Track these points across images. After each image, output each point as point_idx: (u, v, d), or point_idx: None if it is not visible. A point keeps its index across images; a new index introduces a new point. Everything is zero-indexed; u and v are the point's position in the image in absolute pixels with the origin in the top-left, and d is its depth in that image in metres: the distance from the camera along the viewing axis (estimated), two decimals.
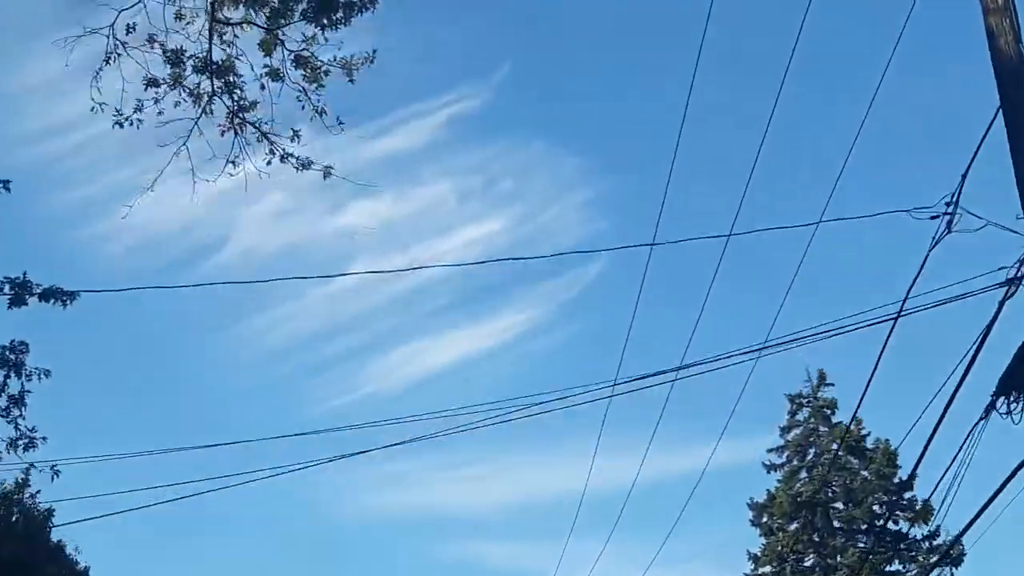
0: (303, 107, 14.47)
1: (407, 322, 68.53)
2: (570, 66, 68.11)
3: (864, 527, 40.90)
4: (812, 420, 42.91)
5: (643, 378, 14.36)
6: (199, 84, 14.22)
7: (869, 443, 41.62)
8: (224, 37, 14.10)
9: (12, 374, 14.15)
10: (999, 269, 12.92)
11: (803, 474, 42.19)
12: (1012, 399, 11.77)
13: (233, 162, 14.42)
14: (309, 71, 14.36)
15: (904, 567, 40.12)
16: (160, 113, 14.09)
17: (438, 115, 62.95)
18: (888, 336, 13.39)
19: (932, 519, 38.11)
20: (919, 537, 39.79)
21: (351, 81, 14.55)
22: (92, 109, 13.63)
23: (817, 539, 40.70)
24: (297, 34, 14.31)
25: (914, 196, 14.27)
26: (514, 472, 66.55)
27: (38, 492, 33.38)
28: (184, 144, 14.07)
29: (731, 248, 15.72)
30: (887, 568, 40.13)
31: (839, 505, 41.38)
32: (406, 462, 66.01)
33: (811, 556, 41.01)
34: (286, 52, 14.25)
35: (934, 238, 13.86)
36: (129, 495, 14.92)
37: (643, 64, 67.46)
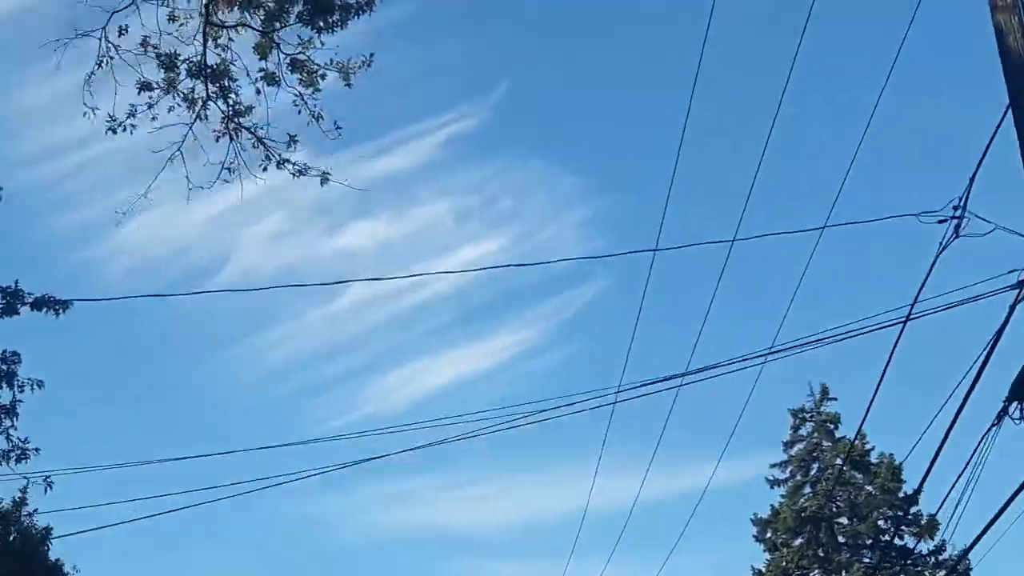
0: (299, 111, 14.24)
1: (406, 342, 68.41)
2: (567, 85, 68.22)
3: (869, 542, 40.57)
4: (815, 435, 42.62)
5: (647, 384, 14.08)
6: (193, 89, 13.99)
7: (873, 457, 41.34)
8: (219, 41, 13.88)
9: (4, 384, 13.88)
10: (1009, 272, 12.72)
11: (807, 489, 41.89)
12: None
13: (229, 168, 14.18)
14: (305, 75, 14.13)
15: None
16: (154, 119, 13.87)
17: (436, 135, 62.99)
18: (897, 340, 13.13)
19: (938, 533, 38.03)
20: (925, 552, 39.54)
21: (348, 85, 14.31)
22: (84, 114, 13.43)
23: (822, 555, 40.38)
24: (293, 37, 14.10)
25: (920, 203, 14.01)
26: (518, 491, 66.35)
27: (35, 511, 33.23)
28: (179, 149, 13.84)
29: (734, 256, 15.49)
30: None
31: (843, 520, 41.07)
32: (410, 481, 65.79)
33: (816, 572, 40.68)
34: (282, 56, 14.04)
35: (942, 243, 13.65)
36: (123, 507, 14.65)
37: (640, 83, 67.51)
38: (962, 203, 13.55)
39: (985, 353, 12.34)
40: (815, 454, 42.34)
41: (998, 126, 11.54)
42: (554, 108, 69.12)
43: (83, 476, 15.01)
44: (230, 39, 13.89)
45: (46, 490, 14.23)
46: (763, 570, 41.06)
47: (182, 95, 13.93)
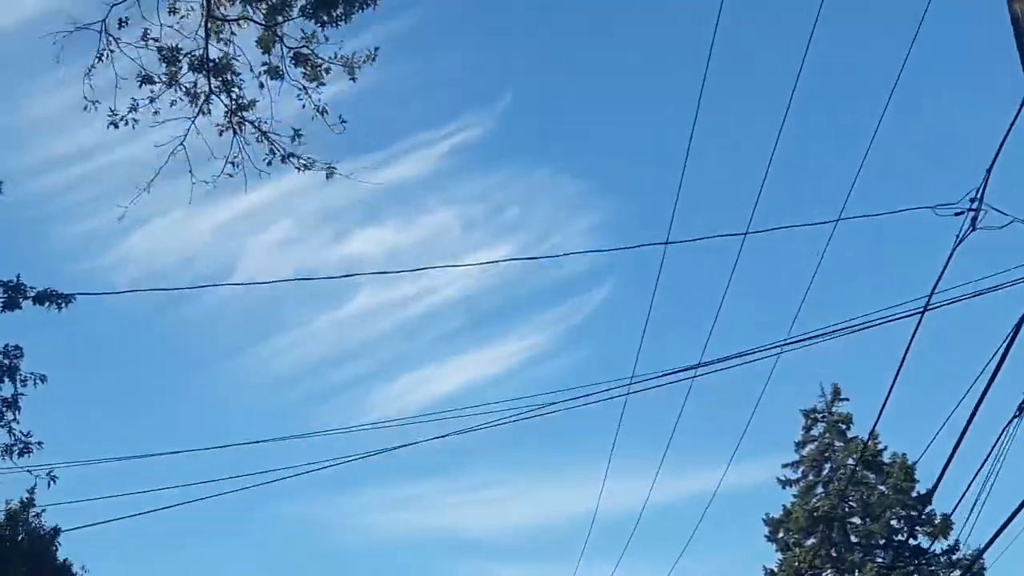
0: (303, 105, 14.05)
1: (414, 349, 68.41)
2: (571, 94, 68.24)
3: (882, 542, 40.28)
4: (827, 435, 42.37)
5: (662, 376, 13.86)
6: (196, 83, 13.81)
7: (886, 457, 41.07)
8: (221, 35, 13.69)
9: (6, 378, 13.71)
10: None
11: (819, 489, 41.63)
12: None
13: (233, 163, 13.99)
14: (309, 69, 13.94)
15: None
16: (156, 113, 13.68)
17: (441, 144, 63.07)
18: (915, 331, 12.86)
19: (952, 533, 37.75)
20: (938, 552, 39.25)
21: (352, 79, 14.12)
22: (85, 108, 13.24)
23: (835, 554, 40.13)
24: (296, 31, 13.91)
25: (936, 198, 13.78)
26: (527, 494, 66.26)
27: (43, 511, 33.09)
28: (182, 143, 13.66)
29: (747, 251, 15.27)
30: None
31: (856, 520, 40.79)
32: (418, 485, 65.77)
33: (828, 572, 40.42)
34: (285, 49, 13.84)
35: (959, 235, 13.43)
36: (127, 502, 14.49)
37: (644, 88, 67.49)
38: (979, 195, 13.33)
39: (1003, 349, 12.12)
40: (827, 454, 42.08)
41: (1015, 118, 11.33)
42: (558, 116, 69.23)
43: (87, 472, 14.87)
44: (232, 33, 13.71)
45: (49, 484, 14.05)
46: (775, 570, 40.79)
47: (184, 89, 13.76)
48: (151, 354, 64.80)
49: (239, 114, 13.92)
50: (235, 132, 14.00)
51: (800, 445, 42.40)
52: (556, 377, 68.16)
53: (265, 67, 13.89)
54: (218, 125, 14.01)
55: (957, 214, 13.49)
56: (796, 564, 40.00)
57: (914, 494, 39.91)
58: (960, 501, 15.00)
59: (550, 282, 68.88)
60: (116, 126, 13.67)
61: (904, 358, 13.49)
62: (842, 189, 14.71)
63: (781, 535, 41.27)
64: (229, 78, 13.82)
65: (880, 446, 40.68)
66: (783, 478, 42.18)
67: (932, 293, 13.50)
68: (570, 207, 69.29)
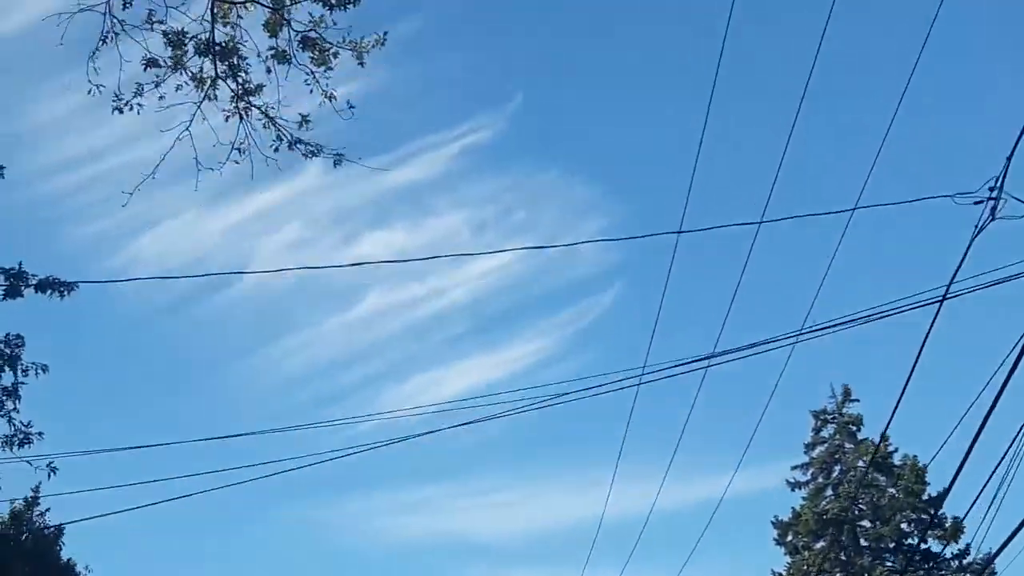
0: (311, 91, 13.81)
1: (422, 351, 68.35)
2: (582, 95, 68.13)
3: (892, 545, 39.96)
4: (837, 437, 42.06)
5: (674, 366, 13.60)
6: (202, 68, 13.58)
7: (896, 459, 40.76)
8: (227, 18, 13.46)
9: (7, 368, 13.46)
10: None
11: (828, 491, 41.32)
12: None
13: (239, 149, 13.76)
14: (317, 53, 13.70)
15: None
16: (161, 98, 13.44)
17: (451, 146, 63.09)
18: (933, 320, 12.61)
19: (963, 537, 37.42)
20: (949, 556, 38.91)
21: (361, 64, 13.88)
22: (89, 92, 13.01)
23: (844, 558, 39.80)
24: (304, 15, 13.68)
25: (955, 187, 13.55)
26: (534, 499, 66.09)
27: (48, 510, 32.94)
28: (187, 129, 13.42)
29: (762, 243, 15.02)
30: None
31: (866, 523, 40.48)
32: (427, 488, 65.64)
33: (838, 575, 40.08)
34: (292, 33, 13.61)
35: (978, 225, 13.18)
36: (129, 495, 14.26)
37: (654, 91, 67.39)
38: (999, 184, 13.11)
39: (1020, 348, 11.87)
40: (837, 456, 41.77)
41: None
42: (568, 118, 69.17)
43: (88, 466, 14.64)
44: (239, 16, 13.47)
45: (49, 476, 13.79)
46: (783, 574, 40.50)
47: (190, 74, 13.52)
48: (161, 354, 64.77)
49: (246, 99, 13.68)
50: (241, 118, 13.76)
51: (810, 447, 42.10)
52: (563, 380, 67.82)
53: (272, 51, 13.66)
54: (224, 111, 13.77)
55: (977, 203, 13.26)
56: (805, 567, 39.69)
57: (925, 497, 39.60)
58: (973, 505, 14.79)
59: (558, 285, 68.84)
60: (121, 111, 13.43)
61: (920, 351, 13.21)
62: (858, 182, 14.48)
63: (790, 538, 40.96)
64: (236, 62, 13.58)
65: (891, 448, 40.39)
66: (792, 480, 41.90)
67: (951, 282, 13.25)
68: (580, 209, 69.24)
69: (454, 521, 65.49)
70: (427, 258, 15.37)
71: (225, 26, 13.50)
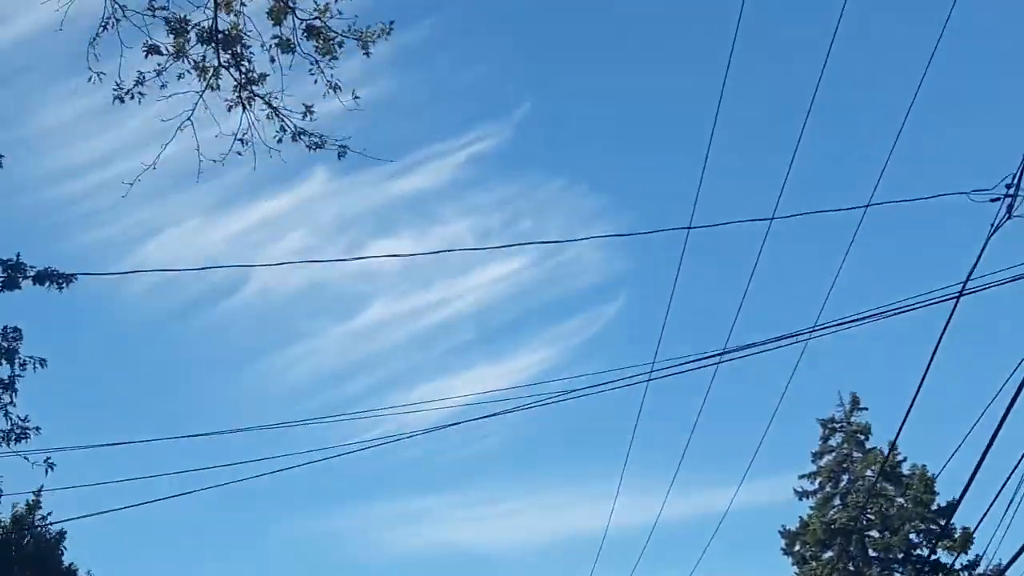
0: (316, 81, 13.53)
1: (426, 361, 68.16)
2: (588, 104, 68.05)
3: (901, 556, 39.62)
4: (845, 446, 41.75)
5: (685, 363, 13.31)
6: (204, 56, 13.31)
7: (905, 469, 40.43)
8: (230, 6, 13.20)
9: (3, 361, 13.18)
10: None
11: (836, 501, 41.00)
12: None
13: (242, 140, 13.49)
14: (322, 42, 13.43)
15: None
16: (163, 86, 13.15)
17: (457, 155, 63.14)
18: (950, 316, 12.32)
19: (972, 547, 37.06)
20: (959, 567, 38.54)
21: (367, 54, 13.61)
22: (89, 79, 12.75)
23: (852, 568, 39.46)
24: (308, 3, 13.40)
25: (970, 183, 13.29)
26: (539, 510, 65.84)
27: (49, 514, 32.67)
28: (189, 119, 13.16)
29: (772, 238, 14.73)
30: None
31: (874, 533, 40.14)
32: (428, 499, 65.36)
33: None
34: (297, 21, 13.34)
35: (994, 223, 12.93)
36: (126, 493, 13.98)
37: (660, 101, 67.28)
38: (1016, 181, 12.85)
39: None
40: (845, 465, 41.46)
41: None
42: (575, 127, 69.06)
43: (86, 464, 14.39)
44: (243, 3, 13.20)
45: (47, 471, 13.50)
46: None
47: (192, 62, 13.25)
48: (164, 361, 64.61)
49: (249, 88, 13.41)
50: (244, 107, 13.48)
51: (817, 456, 41.80)
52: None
53: (276, 40, 13.39)
54: (227, 100, 13.49)
55: (993, 200, 13.02)
56: None
57: (934, 507, 39.28)
58: (985, 516, 14.54)
59: (563, 295, 68.65)
60: (122, 100, 13.16)
61: (934, 354, 12.93)
62: (871, 179, 14.21)
63: (797, 548, 40.65)
64: (239, 51, 13.32)
65: (899, 457, 40.06)
66: (800, 489, 41.59)
67: (968, 279, 12.97)
68: (586, 218, 69.07)
69: (457, 532, 65.27)
70: (424, 253, 14.94)
71: (228, 14, 13.24)
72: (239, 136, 13.62)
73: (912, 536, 39.69)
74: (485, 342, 69.16)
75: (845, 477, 41.29)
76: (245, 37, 13.53)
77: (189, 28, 13.08)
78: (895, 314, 12.80)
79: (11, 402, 13.17)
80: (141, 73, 13.14)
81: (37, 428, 13.30)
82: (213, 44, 13.23)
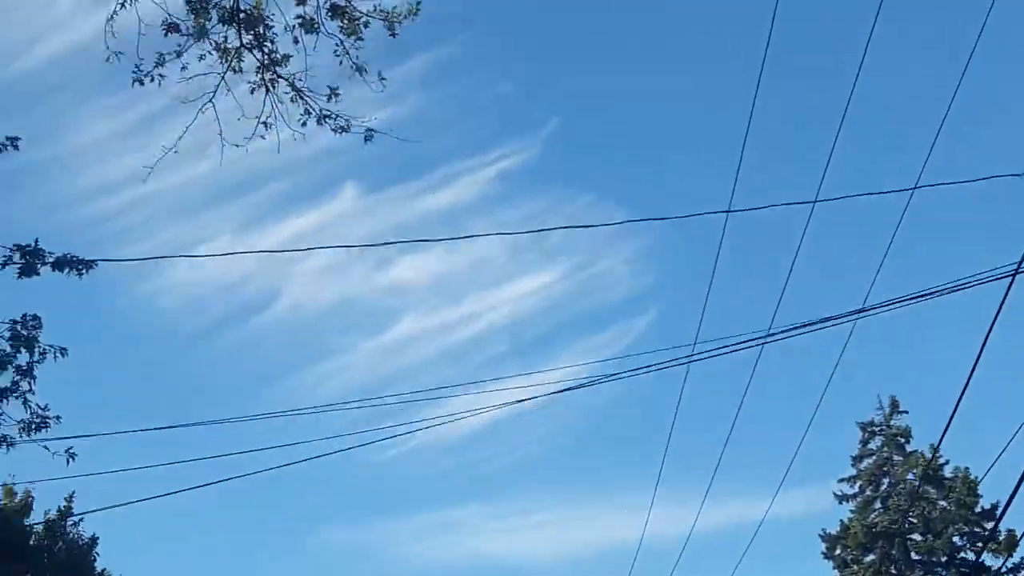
0: (340, 62, 13.16)
1: (458, 375, 67.91)
2: (616, 120, 67.92)
3: (944, 559, 38.92)
4: (885, 449, 41.11)
5: (726, 347, 12.85)
6: (226, 37, 12.96)
7: (947, 471, 39.75)
8: None
9: (23, 349, 12.87)
10: None
11: (877, 504, 40.35)
12: None
13: (265, 123, 13.13)
14: (347, 22, 13.06)
15: None
16: (184, 68, 12.84)
17: (487, 170, 63.14)
18: (1005, 295, 11.78)
19: (1017, 550, 36.37)
20: (1004, 570, 37.81)
21: (393, 35, 13.24)
22: (107, 59, 12.42)
23: (894, 572, 38.78)
24: None
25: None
26: (572, 521, 65.44)
27: (81, 519, 32.45)
28: (211, 100, 12.81)
29: (815, 222, 14.29)
30: None
31: (917, 536, 39.45)
32: (463, 509, 65.08)
33: None
34: (321, 1, 12.98)
35: None
36: (152, 483, 13.70)
37: (688, 116, 67.01)
38: None
39: None
40: (885, 468, 40.81)
41: None
42: (603, 143, 68.83)
43: (111, 453, 14.08)
44: None
45: (68, 462, 13.15)
46: None
47: (213, 44, 12.90)
48: (194, 376, 64.62)
49: (272, 69, 13.06)
50: (267, 90, 13.12)
51: (857, 459, 41.17)
52: (599, 404, 67.81)
53: (300, 20, 13.03)
54: (250, 83, 13.14)
55: None
56: None
57: (978, 509, 38.56)
58: None
59: (595, 308, 68.27)
60: (141, 83, 12.83)
61: (985, 342, 12.41)
62: (918, 162, 13.75)
63: (838, 552, 40.04)
64: (261, 31, 12.97)
65: (942, 460, 39.38)
66: (839, 493, 40.97)
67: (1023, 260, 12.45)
68: (615, 233, 68.83)
69: (490, 543, 64.89)
70: (441, 239, 14.53)
71: None
72: (262, 119, 13.25)
73: (955, 539, 38.99)
74: (518, 355, 68.77)
75: (886, 480, 40.66)
76: (268, 17, 13.19)
77: (210, 7, 12.74)
78: (946, 293, 12.30)
79: (30, 389, 12.87)
80: (161, 54, 12.79)
81: (57, 417, 12.98)
82: (235, 24, 12.88)
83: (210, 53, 12.93)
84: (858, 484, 40.91)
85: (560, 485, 69.52)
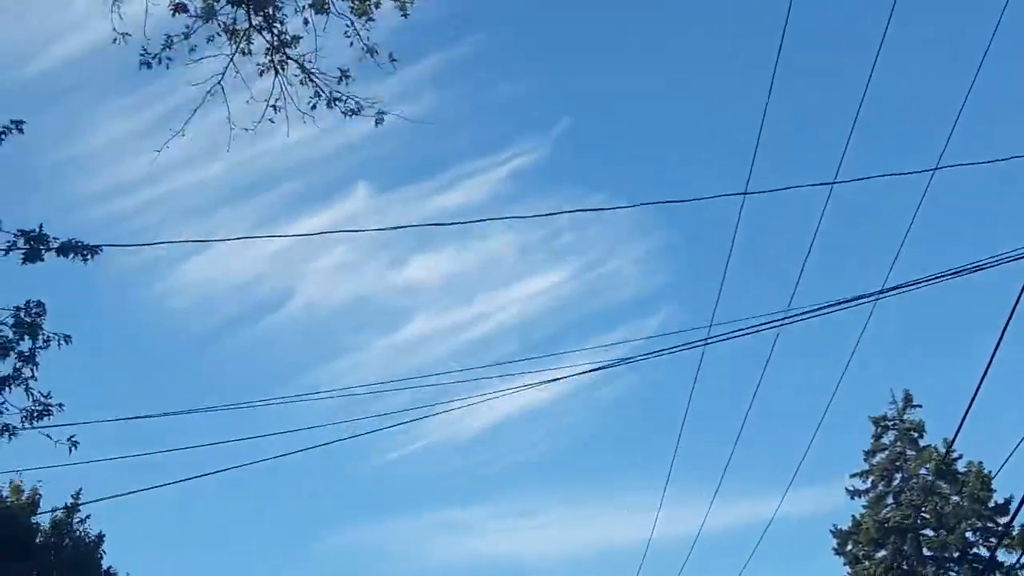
0: (351, 43, 12.88)
1: (470, 373, 67.59)
2: (627, 119, 67.78)
3: (957, 555, 38.58)
4: (899, 444, 40.75)
5: (742, 332, 12.57)
6: (235, 18, 12.68)
7: (960, 466, 39.38)
8: None
9: (26, 337, 12.59)
10: None
11: (889, 500, 40.00)
12: None
13: (275, 106, 12.85)
14: (357, 3, 12.79)
15: None
16: (192, 50, 12.57)
17: (498, 170, 63.18)
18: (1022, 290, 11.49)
19: None
20: (1018, 566, 37.49)
21: (404, 15, 12.96)
22: (115, 40, 12.16)
23: (906, 567, 38.43)
24: None
25: None
26: (581, 521, 65.24)
27: (88, 517, 32.18)
28: (219, 83, 12.54)
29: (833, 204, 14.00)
30: None
31: (929, 532, 39.12)
32: (469, 510, 64.92)
33: None
34: None
35: None
36: (156, 473, 13.44)
37: (699, 116, 66.84)
38: None
39: None
40: (898, 463, 40.47)
41: None
42: (614, 142, 68.71)
43: (118, 451, 13.82)
44: None
45: (70, 450, 12.87)
46: None
47: (222, 25, 12.62)
48: (207, 375, 64.48)
49: (282, 51, 12.78)
50: (277, 72, 12.84)
51: (870, 454, 40.82)
52: (609, 404, 67.61)
53: (310, 0, 12.75)
54: (259, 64, 12.86)
55: None
56: None
57: (991, 504, 38.21)
58: None
59: (605, 308, 68.08)
60: (149, 66, 12.57)
61: (1005, 327, 12.12)
62: (938, 143, 13.44)
63: (850, 547, 39.72)
64: (271, 12, 12.70)
65: (955, 454, 39.01)
66: (851, 488, 40.63)
67: None
68: (625, 233, 68.67)
69: (494, 544, 64.68)
70: (468, 221, 14.27)
71: None
72: (271, 102, 12.98)
73: (968, 535, 38.65)
74: (529, 354, 68.49)
75: (898, 475, 40.31)
76: None
77: None
78: (966, 273, 12.01)
79: (32, 376, 12.60)
80: (169, 36, 12.53)
81: (60, 404, 12.71)
82: (244, 4, 12.60)
83: (219, 35, 12.66)
84: (870, 479, 40.57)
85: (562, 486, 69.40)
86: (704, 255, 59.74)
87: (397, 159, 67.42)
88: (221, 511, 65.16)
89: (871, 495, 40.23)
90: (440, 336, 68.04)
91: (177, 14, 12.21)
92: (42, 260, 12.00)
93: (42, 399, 12.56)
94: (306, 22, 12.94)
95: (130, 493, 13.05)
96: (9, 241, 11.94)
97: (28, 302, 12.74)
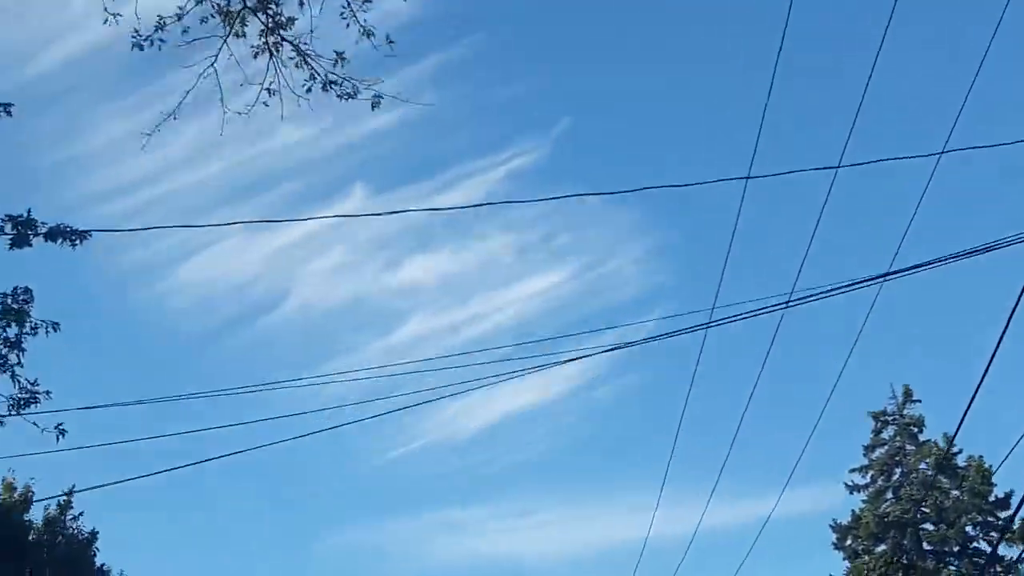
0: (348, 25, 12.58)
1: (467, 374, 67.36)
2: (626, 120, 67.68)
3: (957, 549, 38.38)
4: (898, 438, 40.53)
5: (745, 316, 12.30)
6: (228, 1, 12.38)
7: (960, 460, 39.16)
8: None
9: (13, 324, 12.29)
10: None
11: (889, 494, 39.78)
12: None
13: (269, 89, 12.55)
14: None
15: None
16: (185, 31, 12.28)
17: (497, 170, 63.04)
18: None
19: None
20: (1018, 560, 37.29)
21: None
22: (106, 22, 11.88)
23: (906, 562, 38.21)
24: None
25: None
26: (579, 520, 65.11)
27: (81, 514, 31.91)
28: (212, 65, 12.24)
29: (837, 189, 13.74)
30: None
31: (929, 526, 38.91)
32: (468, 510, 64.78)
33: None
34: None
35: None
36: (150, 461, 13.17)
37: (697, 116, 66.73)
38: None
39: None
40: (898, 458, 40.25)
41: None
42: (614, 142, 68.58)
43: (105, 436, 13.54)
44: None
45: (58, 438, 12.56)
46: None
47: (215, 6, 12.33)
48: (204, 375, 64.21)
49: (276, 33, 12.48)
50: (271, 54, 12.54)
51: (869, 449, 40.59)
52: (607, 404, 67.46)
53: None
54: (253, 47, 12.56)
55: None
56: (865, 572, 38.13)
57: (992, 498, 38.00)
58: None
59: (603, 308, 67.86)
60: (141, 48, 12.29)
61: (1010, 319, 11.86)
62: (945, 126, 13.18)
63: (849, 542, 39.50)
64: None
65: (955, 449, 38.78)
66: (851, 483, 40.41)
67: None
68: (624, 233, 68.48)
69: (492, 543, 64.51)
70: (464, 207, 13.98)
71: None
72: (266, 85, 12.68)
73: (968, 529, 38.45)
74: (525, 355, 68.20)
75: (898, 470, 40.09)
76: None
77: None
78: (969, 256, 11.75)
79: (18, 362, 12.28)
80: (161, 18, 12.24)
81: (47, 392, 12.39)
82: None
83: (212, 16, 12.37)
84: (870, 474, 40.37)
85: (562, 486, 69.26)
86: (704, 255, 59.60)
87: (396, 159, 67.30)
88: (221, 510, 64.91)
89: (871, 490, 40.03)
90: (437, 337, 67.81)
91: None
92: (30, 245, 11.72)
93: (29, 386, 12.26)
94: (301, 3, 12.66)
95: (122, 481, 12.77)
96: None
97: (15, 288, 12.46)
